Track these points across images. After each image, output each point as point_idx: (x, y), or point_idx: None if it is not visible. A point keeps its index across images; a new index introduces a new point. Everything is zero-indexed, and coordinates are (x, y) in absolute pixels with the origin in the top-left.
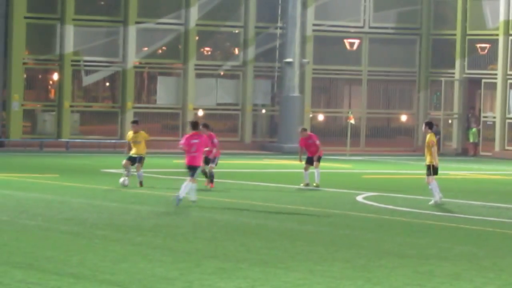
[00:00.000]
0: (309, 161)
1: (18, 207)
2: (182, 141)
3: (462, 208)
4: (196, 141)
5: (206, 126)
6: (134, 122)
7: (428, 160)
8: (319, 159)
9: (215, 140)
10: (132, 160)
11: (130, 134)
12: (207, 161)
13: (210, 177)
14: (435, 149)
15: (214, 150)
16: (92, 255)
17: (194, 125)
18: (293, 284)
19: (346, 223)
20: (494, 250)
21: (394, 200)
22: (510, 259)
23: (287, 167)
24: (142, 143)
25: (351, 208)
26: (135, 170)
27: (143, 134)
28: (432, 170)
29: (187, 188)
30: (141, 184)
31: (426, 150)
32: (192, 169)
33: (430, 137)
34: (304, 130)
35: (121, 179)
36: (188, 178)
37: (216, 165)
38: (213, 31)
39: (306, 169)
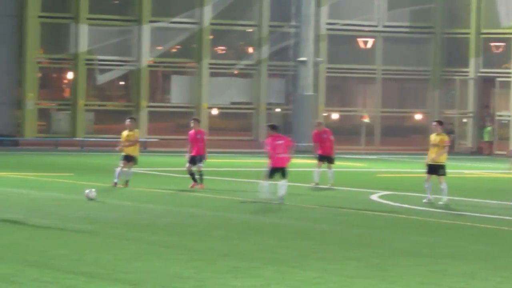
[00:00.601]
0: (321, 159)
1: (32, 206)
2: (267, 145)
3: (476, 207)
4: (280, 142)
5: (197, 120)
6: (132, 118)
7: (443, 159)
8: (331, 160)
9: (205, 137)
10: (127, 160)
11: (127, 133)
12: (194, 161)
13: (200, 177)
14: (447, 149)
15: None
16: (106, 253)
17: (274, 127)
18: (307, 283)
19: (360, 222)
20: (509, 249)
21: (409, 199)
22: None
23: (301, 165)
24: (136, 144)
25: (365, 207)
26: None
27: (136, 133)
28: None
29: (282, 188)
30: (127, 183)
31: (437, 149)
32: (279, 170)
33: (445, 137)
34: (320, 124)
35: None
36: (263, 179)
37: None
38: (227, 30)
39: (319, 166)
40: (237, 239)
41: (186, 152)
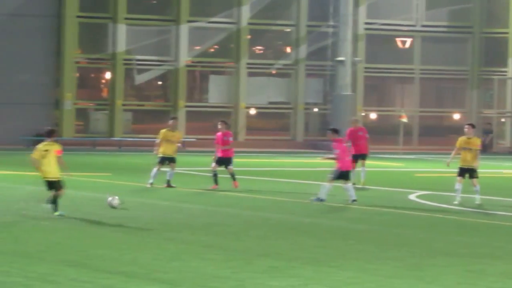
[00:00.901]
0: (355, 158)
1: (70, 206)
2: (337, 149)
3: None
4: (346, 145)
5: (225, 123)
6: (175, 118)
7: (476, 163)
8: (365, 157)
9: (231, 139)
10: (163, 162)
11: (165, 132)
12: (221, 162)
13: (232, 177)
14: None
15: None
16: (144, 253)
17: (337, 131)
18: (345, 282)
19: (398, 221)
20: None
21: (447, 198)
22: None
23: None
24: (175, 144)
25: (403, 207)
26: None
27: (179, 134)
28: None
29: (351, 190)
30: (169, 184)
31: (471, 153)
32: (347, 173)
33: (478, 140)
34: (356, 121)
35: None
36: (327, 181)
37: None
38: (265, 29)
39: (353, 166)
40: (275, 239)
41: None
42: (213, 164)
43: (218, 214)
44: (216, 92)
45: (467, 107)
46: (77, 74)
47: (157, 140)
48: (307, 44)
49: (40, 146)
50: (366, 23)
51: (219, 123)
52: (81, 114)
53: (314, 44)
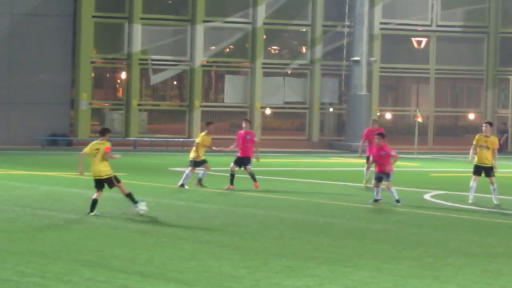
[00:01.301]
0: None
1: (86, 206)
2: (392, 152)
3: None
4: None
5: (249, 121)
6: (211, 123)
7: (493, 162)
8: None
9: (255, 139)
10: (197, 165)
11: (204, 136)
12: (240, 162)
13: (252, 177)
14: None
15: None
16: (160, 253)
17: (383, 135)
18: (361, 282)
19: (414, 221)
20: None
21: (462, 198)
22: None
23: (354, 165)
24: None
25: (418, 206)
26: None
27: (210, 138)
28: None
29: (395, 192)
30: (200, 182)
31: (488, 151)
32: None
33: (496, 138)
34: (375, 121)
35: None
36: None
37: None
38: (281, 29)
39: (368, 168)
40: (291, 238)
41: (236, 152)
42: (232, 165)
43: (233, 214)
44: (231, 92)
45: (482, 107)
46: (93, 74)
47: (195, 143)
48: (322, 44)
49: (93, 143)
50: (382, 23)
51: (244, 121)
52: (97, 114)
53: (329, 44)
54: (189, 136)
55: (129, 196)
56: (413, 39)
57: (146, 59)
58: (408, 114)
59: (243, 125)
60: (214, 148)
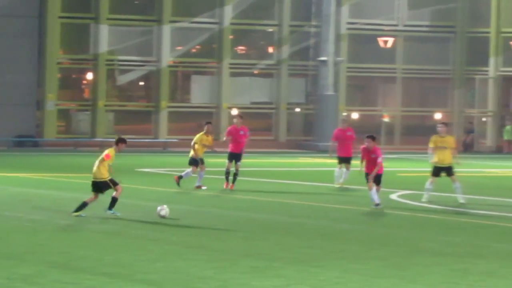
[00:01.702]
0: (342, 160)
1: (53, 207)
2: (379, 159)
3: (497, 206)
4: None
5: (242, 117)
6: (210, 123)
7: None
8: (350, 160)
9: (248, 133)
10: (196, 164)
11: (202, 135)
12: (234, 158)
13: (234, 177)
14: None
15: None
16: (127, 254)
17: (374, 138)
18: (328, 282)
19: (381, 221)
20: None
21: (429, 198)
22: None
23: (322, 165)
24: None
25: (386, 206)
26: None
27: (211, 138)
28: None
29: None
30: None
31: (445, 151)
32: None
33: (452, 138)
34: (345, 121)
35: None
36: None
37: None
38: (248, 29)
39: (340, 166)
40: (259, 239)
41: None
42: (228, 163)
43: (202, 214)
44: (198, 92)
45: (449, 106)
46: (59, 75)
47: (193, 143)
48: (289, 44)
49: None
50: (349, 23)
51: (237, 116)
52: (63, 114)
53: (296, 44)
54: (156, 137)
55: (114, 200)
56: (380, 39)
57: (113, 60)
58: (375, 114)
59: (235, 120)
60: (215, 149)
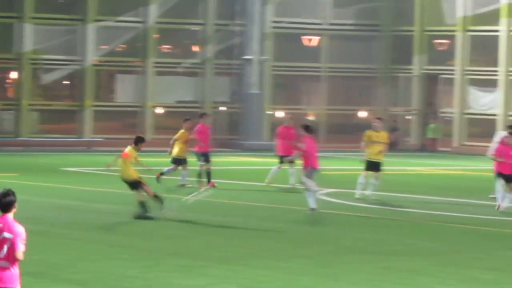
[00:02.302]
0: (282, 158)
1: None
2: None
3: (421, 203)
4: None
5: (208, 115)
6: (187, 119)
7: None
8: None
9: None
10: (179, 163)
11: (183, 133)
12: (206, 158)
13: (208, 175)
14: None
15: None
16: (53, 254)
17: (308, 127)
18: (254, 281)
19: (308, 219)
20: (453, 245)
21: (354, 196)
22: (469, 253)
23: (248, 164)
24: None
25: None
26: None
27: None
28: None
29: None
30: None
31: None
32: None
33: (386, 134)
34: (290, 119)
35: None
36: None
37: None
38: (173, 28)
39: (279, 166)
40: (185, 238)
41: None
42: (201, 164)
43: (127, 214)
44: (123, 91)
45: (374, 105)
46: None
47: (172, 141)
48: (214, 43)
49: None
50: (274, 22)
51: (203, 115)
52: None
53: (222, 43)
54: (80, 136)
55: (143, 204)
56: (305, 38)
57: (37, 59)
58: (300, 113)
59: (202, 119)
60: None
